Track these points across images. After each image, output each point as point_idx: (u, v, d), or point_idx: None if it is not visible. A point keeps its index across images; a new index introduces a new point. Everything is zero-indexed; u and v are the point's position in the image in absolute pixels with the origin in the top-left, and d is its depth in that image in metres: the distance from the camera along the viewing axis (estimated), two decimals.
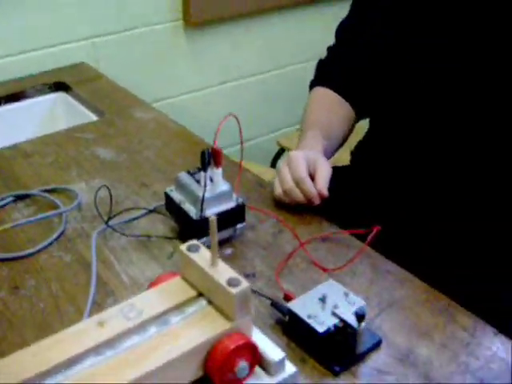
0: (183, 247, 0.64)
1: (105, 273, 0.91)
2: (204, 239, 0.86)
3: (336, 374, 0.74)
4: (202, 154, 0.88)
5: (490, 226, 1.03)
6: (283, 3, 1.95)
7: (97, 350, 0.57)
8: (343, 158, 1.31)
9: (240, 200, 0.94)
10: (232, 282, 0.59)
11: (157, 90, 1.82)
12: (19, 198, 1.09)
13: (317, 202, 1.00)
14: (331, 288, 0.80)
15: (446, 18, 1.04)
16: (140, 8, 1.71)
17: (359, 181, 1.22)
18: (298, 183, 1.00)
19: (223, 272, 0.60)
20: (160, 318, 0.61)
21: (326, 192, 0.99)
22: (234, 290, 0.58)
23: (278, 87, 2.09)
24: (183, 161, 1.18)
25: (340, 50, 1.25)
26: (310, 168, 1.02)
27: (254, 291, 0.85)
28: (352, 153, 1.30)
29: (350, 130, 1.24)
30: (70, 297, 0.87)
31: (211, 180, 0.91)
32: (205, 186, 0.88)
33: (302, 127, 1.19)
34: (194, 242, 0.64)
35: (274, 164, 2.07)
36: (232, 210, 0.93)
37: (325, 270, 0.90)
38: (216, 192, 0.91)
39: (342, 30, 1.26)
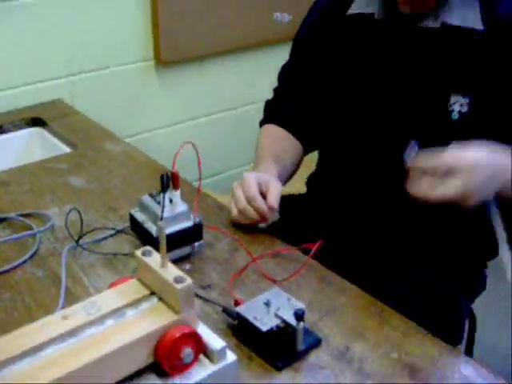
0: (138, 252, 0.73)
1: (74, 286, 1.00)
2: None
3: (279, 370, 0.83)
4: (161, 177, 0.98)
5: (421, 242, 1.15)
6: (250, 43, 2.08)
7: (61, 338, 0.66)
8: (298, 187, 1.42)
9: (197, 219, 1.04)
10: (178, 280, 0.68)
11: (129, 125, 1.92)
12: None
13: (268, 217, 1.08)
14: (276, 294, 0.90)
15: (384, 56, 1.16)
16: (114, 48, 1.82)
17: (313, 206, 1.33)
18: (249, 201, 1.07)
19: (171, 272, 0.70)
20: (117, 312, 0.70)
21: (275, 206, 1.07)
22: (179, 286, 0.67)
23: (247, 122, 2.20)
24: (149, 187, 1.26)
25: (283, 91, 1.37)
26: (262, 188, 1.09)
27: (207, 300, 0.95)
28: (306, 183, 1.40)
29: (300, 160, 1.34)
30: (42, 307, 0.95)
31: (171, 201, 1.01)
32: (163, 206, 0.98)
33: (255, 159, 1.28)
34: (148, 247, 0.74)
35: None
36: (190, 228, 1.03)
37: (274, 281, 0.99)
38: (175, 212, 1.01)
39: (284, 73, 1.37)
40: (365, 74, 1.18)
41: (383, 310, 0.95)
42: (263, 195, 1.09)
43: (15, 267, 1.05)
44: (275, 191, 1.09)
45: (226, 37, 2.01)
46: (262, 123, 1.40)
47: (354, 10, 1.19)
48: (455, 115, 1.08)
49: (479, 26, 1.07)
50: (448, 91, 1.08)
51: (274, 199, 1.08)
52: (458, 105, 1.07)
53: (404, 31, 1.12)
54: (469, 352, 1.35)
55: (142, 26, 1.87)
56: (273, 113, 1.38)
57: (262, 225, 1.12)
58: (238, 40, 2.05)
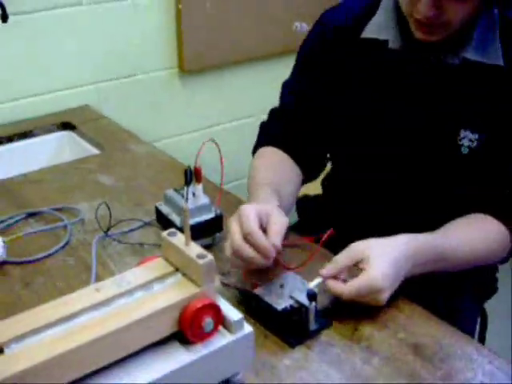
0: (164, 233, 0.80)
1: (103, 273, 1.07)
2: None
3: (292, 347, 0.90)
4: (185, 171, 1.05)
5: None
6: (269, 53, 2.15)
7: (93, 307, 0.73)
8: (313, 188, 1.47)
9: (218, 211, 1.11)
10: (200, 256, 0.75)
11: (153, 131, 2.00)
12: (30, 215, 1.25)
13: (271, 255, 0.92)
14: (290, 278, 0.97)
15: (367, 92, 1.17)
16: (140, 57, 1.91)
17: (329, 207, 1.37)
18: (247, 238, 0.92)
19: (194, 249, 0.77)
20: (144, 286, 0.77)
21: (278, 244, 0.93)
22: (201, 261, 0.74)
23: None
24: (173, 185, 1.34)
25: (284, 113, 1.28)
26: (263, 221, 0.96)
27: (226, 284, 1.02)
28: (322, 184, 1.44)
29: (299, 189, 1.25)
30: (73, 290, 1.01)
31: (193, 194, 1.08)
32: (186, 198, 1.05)
33: (249, 189, 1.15)
34: (173, 229, 0.81)
35: None
36: (211, 220, 1.10)
37: (287, 268, 1.05)
38: (197, 204, 1.08)
39: (287, 92, 1.29)
40: (375, 105, 1.16)
41: (392, 295, 1.01)
42: (264, 230, 0.95)
43: (48, 256, 1.12)
44: (278, 226, 0.95)
45: (246, 46, 2.08)
46: (256, 148, 1.30)
47: (367, 33, 1.14)
48: (465, 149, 1.09)
49: (500, 61, 1.06)
50: (458, 126, 1.09)
51: (276, 236, 0.93)
52: (467, 140, 1.09)
53: (420, 65, 1.11)
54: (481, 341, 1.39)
55: (167, 36, 1.95)
56: (271, 136, 1.27)
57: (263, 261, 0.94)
58: (258, 49, 2.12)
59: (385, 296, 0.94)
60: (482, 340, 1.40)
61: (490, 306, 1.37)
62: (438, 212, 1.15)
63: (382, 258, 0.94)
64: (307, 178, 1.29)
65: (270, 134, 1.28)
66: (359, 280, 0.92)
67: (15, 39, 1.68)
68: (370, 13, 1.16)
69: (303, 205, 1.48)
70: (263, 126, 1.32)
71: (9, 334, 0.69)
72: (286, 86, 1.30)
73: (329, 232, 1.01)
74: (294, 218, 1.51)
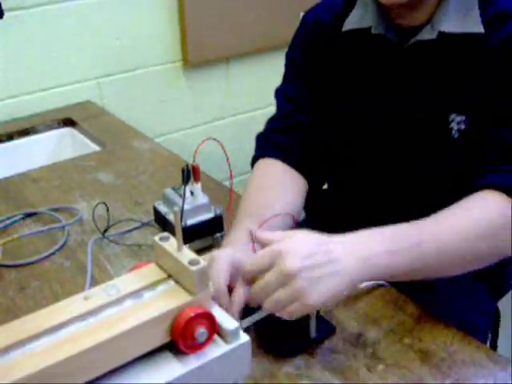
0: (156, 238, 0.77)
1: (100, 276, 1.04)
2: (187, 245, 0.99)
3: (292, 356, 0.86)
4: (182, 170, 1.01)
5: None
6: (275, 44, 2.11)
7: (81, 317, 0.70)
8: None
9: (218, 211, 1.07)
10: (193, 262, 0.71)
11: (157, 125, 1.97)
12: (27, 216, 1.22)
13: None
14: None
15: (383, 76, 1.12)
16: (142, 50, 1.88)
17: (336, 201, 1.33)
18: (215, 296, 0.84)
19: (186, 255, 0.73)
20: (135, 294, 0.73)
21: (235, 316, 0.82)
22: (193, 268, 0.70)
23: None
24: (175, 183, 1.31)
25: (282, 121, 1.22)
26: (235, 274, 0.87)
27: None
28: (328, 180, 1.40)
29: (298, 200, 1.15)
30: (69, 294, 0.98)
31: (192, 193, 1.05)
32: (184, 197, 1.01)
33: (236, 215, 1.04)
34: (165, 234, 0.77)
35: None
36: (210, 220, 1.06)
37: None
38: (196, 204, 1.05)
39: (282, 101, 1.23)
40: (365, 95, 1.13)
41: (398, 297, 0.97)
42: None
43: (44, 258, 1.09)
44: (238, 300, 0.85)
45: (251, 38, 2.04)
46: (255, 159, 1.21)
47: (348, 25, 1.12)
48: (455, 133, 1.05)
49: (479, 28, 1.00)
50: (447, 110, 1.04)
51: (235, 311, 0.84)
52: (456, 123, 1.04)
53: (400, 46, 1.07)
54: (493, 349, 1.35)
55: (170, 28, 1.91)
56: (270, 147, 1.19)
57: None
58: (264, 40, 2.08)
59: (292, 264, 0.78)
60: (494, 342, 1.36)
61: (502, 304, 1.33)
62: (441, 197, 1.11)
63: (301, 234, 0.85)
64: (313, 185, 1.22)
65: (270, 145, 1.19)
66: None
67: (15, 35, 1.65)
68: (349, 7, 1.13)
69: (311, 200, 1.45)
70: (260, 136, 1.24)
71: None
72: (281, 95, 1.24)
73: None
74: (302, 213, 1.47)
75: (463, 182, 1.07)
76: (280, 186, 1.12)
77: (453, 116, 1.04)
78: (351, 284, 0.82)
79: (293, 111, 1.21)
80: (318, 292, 0.78)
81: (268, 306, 0.81)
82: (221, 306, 0.80)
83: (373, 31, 1.08)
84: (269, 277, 0.80)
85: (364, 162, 1.20)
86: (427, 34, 1.03)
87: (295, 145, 1.18)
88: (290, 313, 0.80)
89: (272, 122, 1.24)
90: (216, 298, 0.83)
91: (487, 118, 1.03)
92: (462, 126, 1.04)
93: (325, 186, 1.43)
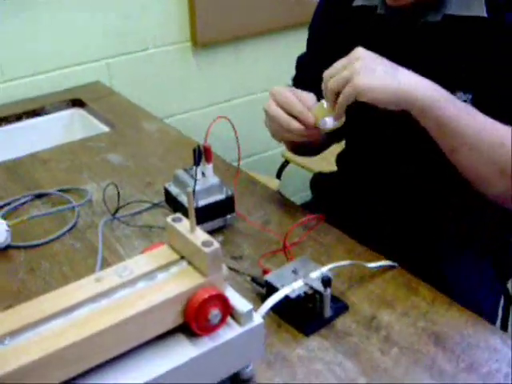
0: (169, 219, 0.76)
1: (110, 257, 1.03)
2: (199, 227, 0.98)
3: (307, 335, 0.86)
4: (194, 150, 1.00)
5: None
6: (285, 24, 2.09)
7: (93, 299, 0.69)
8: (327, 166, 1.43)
9: (229, 192, 1.06)
10: (206, 244, 0.70)
11: (166, 106, 1.96)
12: (37, 197, 1.22)
13: (308, 120, 0.99)
14: (303, 263, 0.92)
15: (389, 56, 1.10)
16: (151, 31, 1.86)
17: (344, 183, 1.32)
18: (283, 107, 1.01)
19: (199, 236, 0.72)
20: (148, 275, 0.72)
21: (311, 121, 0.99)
22: (206, 249, 0.70)
23: None
24: (185, 164, 1.29)
25: (302, 84, 1.22)
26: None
27: (236, 270, 0.97)
28: (336, 161, 1.40)
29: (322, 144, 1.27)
30: (79, 276, 0.97)
31: (203, 174, 1.04)
32: (195, 178, 1.00)
33: None
34: (178, 215, 0.76)
35: (279, 175, 2.20)
36: (222, 201, 1.05)
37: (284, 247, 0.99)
38: (207, 185, 1.04)
39: (301, 65, 1.32)
40: None
41: (411, 280, 0.96)
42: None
43: (54, 239, 1.09)
44: (308, 98, 1.02)
45: (261, 18, 2.02)
46: None
47: (358, 1, 1.14)
48: None
49: (483, 12, 1.00)
50: (453, 87, 1.03)
51: (308, 102, 1.01)
52: (462, 101, 1.02)
53: (405, 28, 1.08)
54: (504, 330, 1.35)
55: (179, 8, 1.89)
56: None
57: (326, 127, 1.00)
58: (274, 21, 2.06)
59: (360, 53, 0.94)
60: (504, 324, 1.36)
61: None
62: (448, 177, 1.10)
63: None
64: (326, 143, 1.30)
65: None
66: None
67: (23, 16, 1.64)
68: None
69: (318, 182, 1.45)
70: None
71: (3, 328, 0.65)
72: (300, 58, 1.32)
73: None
74: (309, 195, 1.47)
75: None
76: None
77: (458, 94, 1.03)
78: (398, 91, 0.93)
79: (309, 77, 1.22)
80: (369, 78, 0.91)
81: (331, 85, 0.95)
82: (291, 108, 1.00)
83: (378, 11, 1.09)
84: (339, 61, 0.95)
85: (369, 139, 1.20)
86: (431, 16, 1.03)
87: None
88: (344, 96, 0.93)
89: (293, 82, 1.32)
90: (286, 107, 1.00)
91: (494, 98, 1.02)
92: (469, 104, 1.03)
93: (333, 168, 1.42)
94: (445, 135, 0.97)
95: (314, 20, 1.29)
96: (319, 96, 1.20)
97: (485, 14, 1.00)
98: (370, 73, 0.92)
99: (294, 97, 1.01)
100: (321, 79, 1.18)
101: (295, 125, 1.00)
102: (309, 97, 1.02)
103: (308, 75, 1.24)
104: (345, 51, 1.14)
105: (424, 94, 0.94)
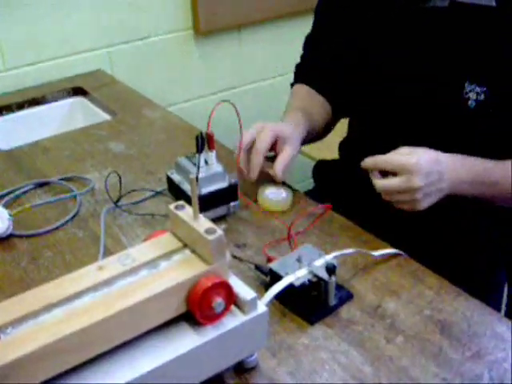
0: (171, 206, 0.75)
1: (113, 246, 1.03)
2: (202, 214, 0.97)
3: (311, 324, 0.85)
4: (196, 138, 0.99)
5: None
6: (288, 11, 2.07)
7: (96, 287, 0.68)
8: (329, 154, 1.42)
9: (232, 180, 1.05)
10: (209, 231, 0.70)
11: (168, 95, 1.94)
12: (39, 185, 1.21)
13: (253, 177, 1.06)
14: (308, 250, 0.91)
15: (398, 38, 1.12)
16: (153, 18, 1.84)
17: (346, 171, 1.31)
18: (252, 153, 1.06)
19: (202, 224, 0.71)
20: (150, 263, 0.72)
21: (279, 174, 1.06)
22: (210, 237, 0.69)
23: (286, 91, 2.19)
24: (187, 152, 1.29)
25: (311, 54, 1.35)
26: (278, 144, 1.08)
27: (240, 258, 0.96)
28: (339, 148, 1.39)
29: (329, 121, 1.31)
30: (82, 264, 0.97)
31: (206, 162, 1.03)
32: (198, 166, 0.99)
33: (284, 113, 1.26)
34: (181, 202, 0.75)
35: None
36: (225, 189, 1.04)
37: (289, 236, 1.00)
38: (210, 172, 1.02)
39: (309, 41, 1.35)
40: (379, 54, 1.14)
41: (417, 268, 0.95)
42: (275, 152, 1.08)
43: (57, 228, 1.08)
44: (284, 157, 1.07)
45: (264, 5, 2.00)
46: (292, 85, 1.39)
47: None
48: (472, 103, 1.04)
49: (490, 2, 0.99)
50: (462, 80, 1.04)
51: (279, 167, 1.06)
52: (474, 93, 1.03)
53: (412, 10, 1.07)
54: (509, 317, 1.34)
55: None
56: (302, 73, 1.36)
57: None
58: (277, 8, 2.04)
59: (419, 182, 0.96)
60: (510, 312, 1.35)
61: None
62: None
63: (422, 151, 0.99)
64: (335, 115, 1.34)
65: (301, 72, 1.37)
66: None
67: (24, 4, 1.62)
68: None
69: (320, 170, 1.44)
70: (297, 66, 1.39)
71: (5, 317, 0.64)
72: (307, 37, 1.35)
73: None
74: (311, 183, 1.46)
75: (477, 151, 1.05)
76: (315, 97, 1.31)
77: (471, 86, 1.02)
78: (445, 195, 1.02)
79: (317, 49, 1.31)
80: (427, 202, 1.00)
81: (387, 198, 1.02)
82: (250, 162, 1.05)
83: None
84: (396, 183, 0.99)
85: (372, 125, 1.20)
86: (439, 1, 1.02)
87: (320, 73, 1.30)
88: (400, 207, 1.02)
89: (302, 57, 1.38)
90: (252, 156, 1.05)
91: (509, 91, 1.01)
92: (481, 97, 1.03)
93: (335, 156, 1.41)
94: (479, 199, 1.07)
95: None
96: (326, 84, 1.25)
97: (493, 3, 0.99)
98: (428, 198, 1.00)
99: (264, 150, 1.06)
100: (331, 56, 1.24)
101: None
102: (285, 153, 1.07)
103: (318, 53, 1.29)
104: (353, 28, 1.17)
105: (461, 190, 1.03)
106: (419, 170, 0.96)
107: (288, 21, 2.10)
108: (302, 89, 1.34)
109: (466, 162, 1.03)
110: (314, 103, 1.29)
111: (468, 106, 1.04)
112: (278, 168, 1.06)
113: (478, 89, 1.03)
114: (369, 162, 1.03)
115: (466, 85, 1.03)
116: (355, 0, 1.18)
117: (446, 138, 1.09)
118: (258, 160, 1.05)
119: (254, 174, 1.05)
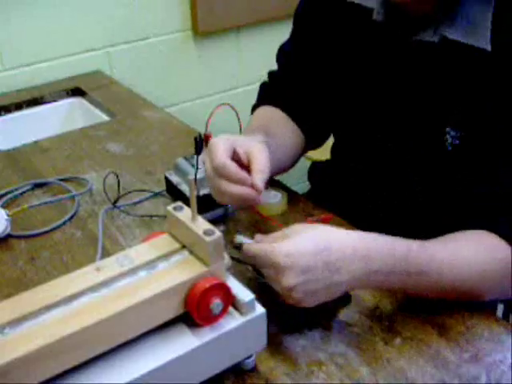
0: (170, 207, 0.75)
1: (111, 246, 1.03)
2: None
3: (308, 325, 0.85)
4: (195, 139, 0.99)
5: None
6: (287, 13, 2.06)
7: (93, 288, 0.68)
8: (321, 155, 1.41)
9: None
10: (207, 232, 0.70)
11: (167, 95, 1.94)
12: (37, 186, 1.21)
13: (248, 184, 0.86)
14: None
15: (381, 70, 1.05)
16: (152, 19, 1.84)
17: (339, 173, 1.30)
18: (220, 172, 0.86)
19: (201, 225, 0.71)
20: (149, 264, 0.72)
21: (261, 186, 0.85)
22: (208, 238, 0.69)
23: None
24: (186, 153, 1.29)
25: (284, 75, 1.22)
26: (241, 156, 0.89)
27: (237, 259, 0.96)
28: (331, 151, 1.36)
29: (299, 150, 1.18)
30: (80, 265, 0.96)
31: (204, 163, 1.02)
32: (196, 167, 0.99)
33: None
34: (179, 203, 0.75)
35: None
36: None
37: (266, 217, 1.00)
38: None
39: (284, 54, 1.24)
40: (359, 79, 1.07)
41: None
42: (243, 165, 0.88)
43: (55, 228, 1.08)
44: (259, 165, 0.87)
45: (262, 6, 2.00)
46: (254, 108, 1.24)
47: None
48: (449, 146, 0.97)
49: (486, 45, 0.90)
50: (444, 121, 0.97)
51: (258, 176, 0.86)
52: (450, 136, 0.97)
53: (399, 43, 1.00)
54: (506, 318, 1.34)
55: None
56: (271, 95, 1.21)
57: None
58: (275, 9, 2.04)
59: (290, 281, 0.76)
60: (506, 314, 1.35)
61: None
62: (436, 199, 1.07)
63: (305, 236, 0.79)
64: (310, 142, 1.21)
65: (269, 94, 1.21)
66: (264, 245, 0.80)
67: (23, 4, 1.62)
68: None
69: (314, 171, 1.43)
70: (263, 86, 1.26)
71: (2, 318, 0.64)
72: (282, 49, 1.26)
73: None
74: (307, 185, 1.45)
75: (458, 192, 1.02)
76: (281, 120, 1.15)
77: (448, 129, 0.97)
78: (344, 291, 0.82)
79: (292, 66, 1.20)
80: (313, 300, 0.79)
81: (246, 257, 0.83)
82: (230, 176, 0.84)
83: (374, 17, 1.00)
84: (269, 277, 0.80)
85: (357, 132, 1.14)
86: (428, 35, 0.94)
87: (293, 96, 1.17)
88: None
89: (272, 76, 1.26)
90: (223, 172, 0.85)
91: (485, 140, 0.94)
92: (456, 141, 0.97)
93: (328, 157, 1.40)
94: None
95: (300, 8, 1.20)
96: (303, 94, 1.16)
97: (488, 48, 0.90)
98: (311, 296, 0.79)
99: (227, 159, 0.86)
100: (306, 72, 1.15)
101: (236, 194, 0.86)
102: (260, 161, 0.88)
103: (292, 67, 1.19)
104: (332, 47, 1.09)
105: (375, 282, 0.83)
106: (287, 265, 0.76)
107: (286, 22, 2.09)
108: (268, 111, 1.18)
109: (384, 245, 0.83)
110: (281, 125, 1.14)
111: (446, 147, 0.99)
112: (257, 178, 0.85)
113: (453, 132, 0.97)
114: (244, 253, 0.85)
115: (447, 129, 0.98)
116: (338, 22, 1.09)
117: (424, 174, 1.06)
118: (234, 169, 0.86)
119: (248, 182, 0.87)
